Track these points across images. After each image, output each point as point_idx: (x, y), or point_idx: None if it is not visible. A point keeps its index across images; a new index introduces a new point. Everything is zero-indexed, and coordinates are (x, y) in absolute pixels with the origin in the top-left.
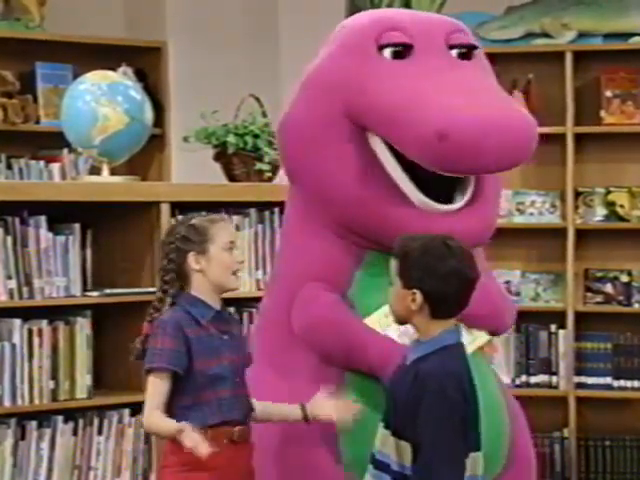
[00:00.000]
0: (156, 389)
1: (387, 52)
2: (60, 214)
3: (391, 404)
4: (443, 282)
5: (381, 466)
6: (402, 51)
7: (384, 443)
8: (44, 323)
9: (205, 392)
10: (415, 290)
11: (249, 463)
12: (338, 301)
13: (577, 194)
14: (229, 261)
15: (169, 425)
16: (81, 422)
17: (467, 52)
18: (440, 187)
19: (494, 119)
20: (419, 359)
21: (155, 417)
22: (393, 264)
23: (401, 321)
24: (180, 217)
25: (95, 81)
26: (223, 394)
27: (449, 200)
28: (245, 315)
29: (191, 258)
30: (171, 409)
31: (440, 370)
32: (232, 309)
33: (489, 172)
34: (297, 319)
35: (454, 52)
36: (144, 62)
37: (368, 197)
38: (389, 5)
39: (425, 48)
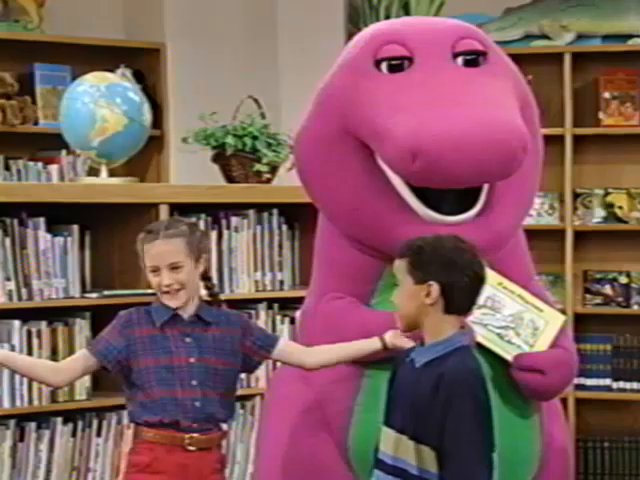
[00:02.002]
0: (78, 354)
1: (384, 66)
2: (59, 215)
3: (403, 407)
4: (460, 273)
5: (395, 471)
6: (400, 64)
7: (397, 447)
8: (43, 324)
9: (147, 389)
10: (431, 282)
11: (206, 474)
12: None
13: (576, 195)
14: (154, 283)
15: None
16: (80, 424)
17: (475, 59)
18: (451, 199)
19: (466, 133)
20: (434, 361)
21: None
22: (400, 264)
23: (410, 326)
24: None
25: (94, 82)
26: (166, 394)
27: (462, 212)
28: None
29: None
30: (131, 403)
31: (467, 372)
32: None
33: (470, 184)
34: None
35: (460, 60)
36: (143, 64)
37: (373, 212)
38: (388, 7)
39: (426, 59)
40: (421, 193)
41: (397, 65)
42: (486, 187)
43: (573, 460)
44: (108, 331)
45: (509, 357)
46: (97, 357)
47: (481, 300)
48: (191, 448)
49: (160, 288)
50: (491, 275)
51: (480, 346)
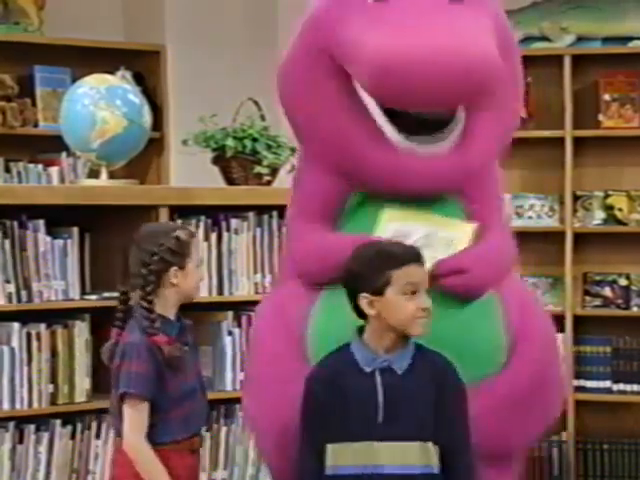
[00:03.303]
0: (141, 415)
1: None
2: (59, 218)
3: (406, 414)
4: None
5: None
6: None
7: (394, 456)
8: (43, 327)
9: (173, 410)
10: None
11: (199, 468)
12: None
13: (576, 198)
14: (200, 276)
15: (161, 475)
16: (79, 426)
17: None
18: (426, 132)
19: (435, 51)
20: (415, 362)
21: (149, 454)
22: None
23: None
24: (152, 225)
25: (94, 85)
26: (189, 409)
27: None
28: (244, 318)
29: (173, 272)
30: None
31: (447, 362)
32: (231, 313)
33: (439, 107)
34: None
35: None
36: (143, 66)
37: (349, 138)
38: None
39: None
40: (397, 123)
41: None
42: (461, 120)
43: (554, 342)
44: (135, 365)
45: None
46: (148, 396)
47: (388, 234)
48: (197, 449)
49: (200, 281)
50: (396, 214)
51: None
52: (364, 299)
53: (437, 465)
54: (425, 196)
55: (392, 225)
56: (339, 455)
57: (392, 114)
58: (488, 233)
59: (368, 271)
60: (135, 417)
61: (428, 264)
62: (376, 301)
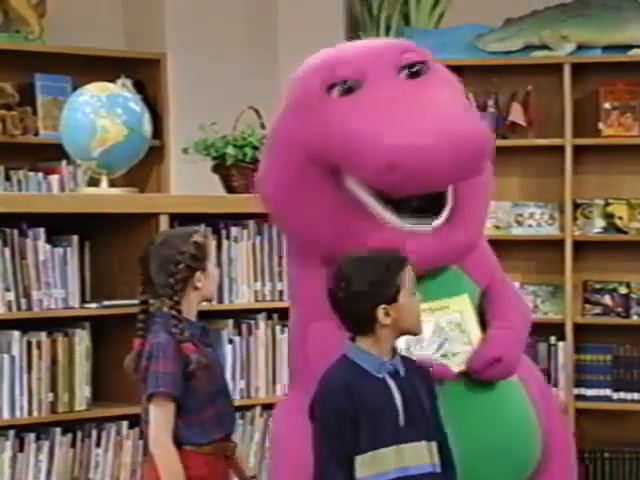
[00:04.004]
0: (168, 415)
1: (335, 91)
2: (59, 226)
3: (420, 415)
4: None
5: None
6: (351, 86)
7: (414, 457)
8: (43, 335)
9: (207, 409)
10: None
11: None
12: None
13: (576, 206)
14: (217, 275)
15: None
16: (80, 434)
17: (420, 69)
18: (421, 209)
19: (436, 137)
20: (407, 365)
21: (174, 455)
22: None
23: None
24: (168, 232)
25: (94, 93)
26: (222, 408)
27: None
28: (244, 327)
29: (197, 276)
30: (173, 428)
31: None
32: (231, 321)
33: (445, 186)
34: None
35: (405, 73)
36: (143, 74)
37: (351, 233)
38: (388, 17)
39: (374, 78)
40: (393, 207)
41: (347, 88)
42: (450, 196)
43: (575, 460)
44: (162, 364)
45: (464, 368)
46: (176, 394)
47: (403, 345)
48: (231, 455)
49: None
50: None
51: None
52: (382, 311)
53: (439, 463)
54: (432, 271)
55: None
56: (369, 465)
57: (387, 200)
58: (497, 299)
59: (381, 283)
60: (162, 416)
61: (454, 361)
62: (391, 309)
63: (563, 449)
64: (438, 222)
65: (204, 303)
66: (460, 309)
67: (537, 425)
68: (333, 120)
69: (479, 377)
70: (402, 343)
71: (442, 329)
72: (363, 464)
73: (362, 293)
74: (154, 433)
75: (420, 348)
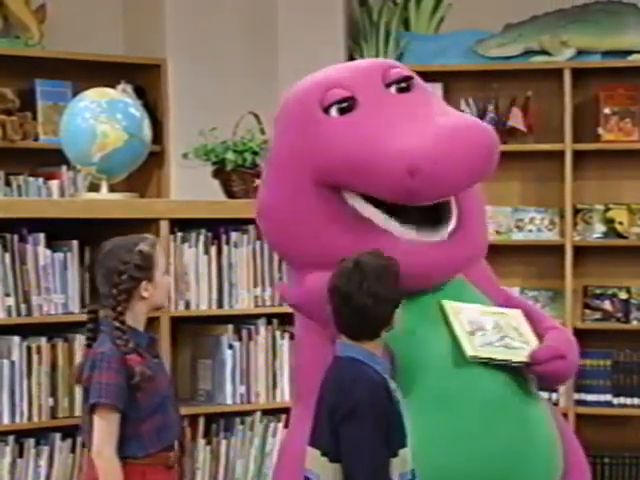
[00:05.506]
0: (111, 427)
1: (333, 111)
2: (59, 231)
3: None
4: None
5: None
6: (347, 106)
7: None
8: (43, 340)
9: (146, 422)
10: None
11: None
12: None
13: (576, 211)
14: (168, 283)
15: None
16: (79, 439)
17: (406, 86)
18: (427, 222)
19: (450, 140)
20: None
21: (117, 468)
22: None
23: None
24: (114, 241)
25: (94, 98)
26: (162, 421)
27: (435, 230)
28: (244, 332)
29: (144, 286)
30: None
31: None
32: (231, 326)
33: (461, 189)
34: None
35: (393, 89)
36: (143, 79)
37: (354, 247)
38: (388, 22)
39: (367, 95)
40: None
41: (344, 108)
42: (454, 206)
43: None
44: (106, 375)
45: (526, 359)
46: (119, 406)
47: (468, 327)
48: (172, 465)
49: (169, 286)
50: (453, 306)
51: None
52: (397, 315)
53: None
54: (445, 282)
55: (462, 317)
56: (400, 463)
57: (390, 214)
58: (533, 313)
59: (395, 287)
60: (105, 428)
61: (515, 352)
62: (398, 312)
63: (581, 469)
64: (449, 230)
65: (203, 307)
66: (515, 317)
67: (559, 438)
68: (337, 139)
69: (539, 370)
70: (467, 326)
71: (501, 327)
72: (396, 463)
73: (388, 299)
74: (97, 445)
75: (483, 334)
